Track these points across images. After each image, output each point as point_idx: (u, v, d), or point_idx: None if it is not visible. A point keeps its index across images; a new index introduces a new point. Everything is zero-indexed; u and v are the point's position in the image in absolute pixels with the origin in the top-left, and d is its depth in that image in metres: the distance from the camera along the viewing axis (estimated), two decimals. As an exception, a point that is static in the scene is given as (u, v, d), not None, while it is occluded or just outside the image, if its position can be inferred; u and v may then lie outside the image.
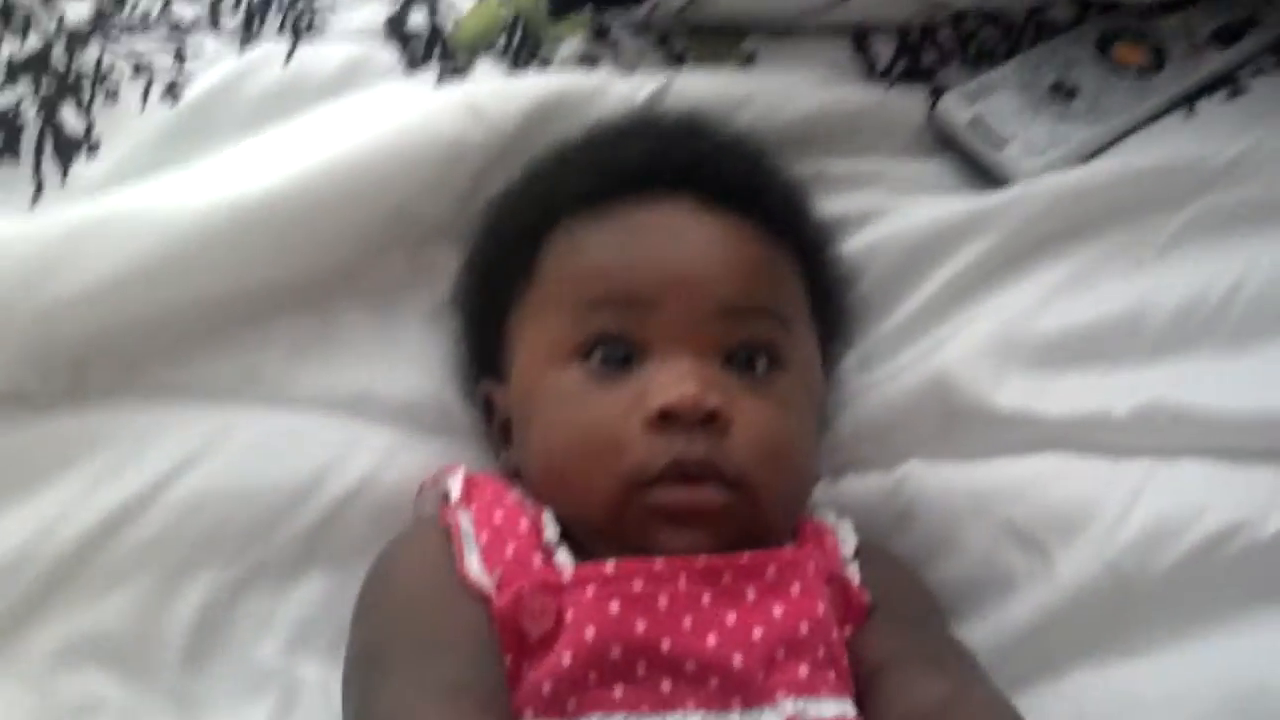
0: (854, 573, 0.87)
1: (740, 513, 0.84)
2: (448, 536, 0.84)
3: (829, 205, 1.02)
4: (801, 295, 0.93)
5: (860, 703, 0.81)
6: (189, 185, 0.98)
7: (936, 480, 0.93)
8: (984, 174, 1.05)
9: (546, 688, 0.77)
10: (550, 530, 0.84)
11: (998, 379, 0.94)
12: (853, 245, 1.01)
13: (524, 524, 0.84)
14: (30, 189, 1.05)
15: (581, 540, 0.85)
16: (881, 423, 0.96)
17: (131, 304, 0.95)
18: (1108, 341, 0.95)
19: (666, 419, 0.83)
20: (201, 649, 0.90)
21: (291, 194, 0.97)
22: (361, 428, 0.96)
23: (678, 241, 0.90)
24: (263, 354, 0.98)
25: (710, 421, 0.83)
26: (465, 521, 0.85)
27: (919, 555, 0.92)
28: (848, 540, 0.89)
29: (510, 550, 0.82)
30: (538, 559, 0.82)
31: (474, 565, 0.82)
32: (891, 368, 0.97)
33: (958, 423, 0.94)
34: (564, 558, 0.83)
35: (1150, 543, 0.87)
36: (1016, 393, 0.93)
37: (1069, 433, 0.92)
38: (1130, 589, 0.87)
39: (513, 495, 0.87)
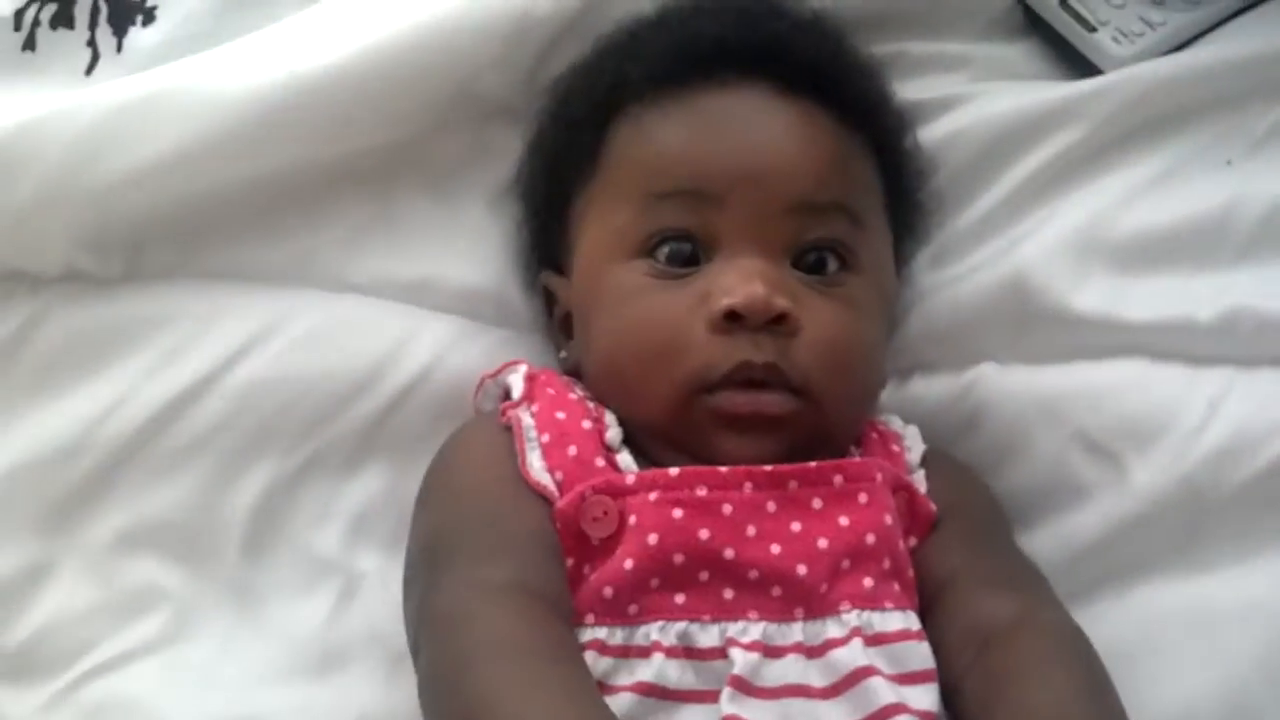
0: (920, 481, 0.85)
1: (805, 421, 0.82)
2: (509, 434, 0.83)
3: (908, 90, 0.99)
4: (877, 190, 0.90)
5: (925, 615, 0.80)
6: (247, 59, 0.96)
7: (1008, 384, 0.91)
8: (1073, 60, 1.00)
9: (608, 592, 0.76)
10: (613, 432, 0.83)
11: (1077, 280, 0.91)
12: (931, 134, 0.98)
13: (586, 424, 0.83)
14: (86, 58, 1.03)
15: (644, 444, 0.84)
16: (953, 323, 0.93)
17: (188, 182, 0.94)
18: (1193, 243, 0.91)
19: (732, 320, 0.81)
20: (261, 538, 0.91)
21: (352, 69, 0.94)
22: (422, 316, 0.95)
23: (749, 132, 0.87)
24: (321, 237, 0.97)
25: (778, 324, 0.81)
26: (527, 419, 0.83)
27: (986, 461, 0.91)
28: (915, 447, 0.88)
29: (572, 451, 0.81)
30: (600, 460, 0.81)
31: (536, 465, 0.81)
32: (965, 266, 0.94)
33: (1032, 325, 0.92)
34: (627, 460, 0.82)
35: (1227, 456, 0.85)
36: (1095, 295, 0.90)
37: (1148, 338, 0.90)
38: (1204, 503, 0.85)
39: (575, 394, 0.86)
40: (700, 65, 0.88)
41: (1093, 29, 0.99)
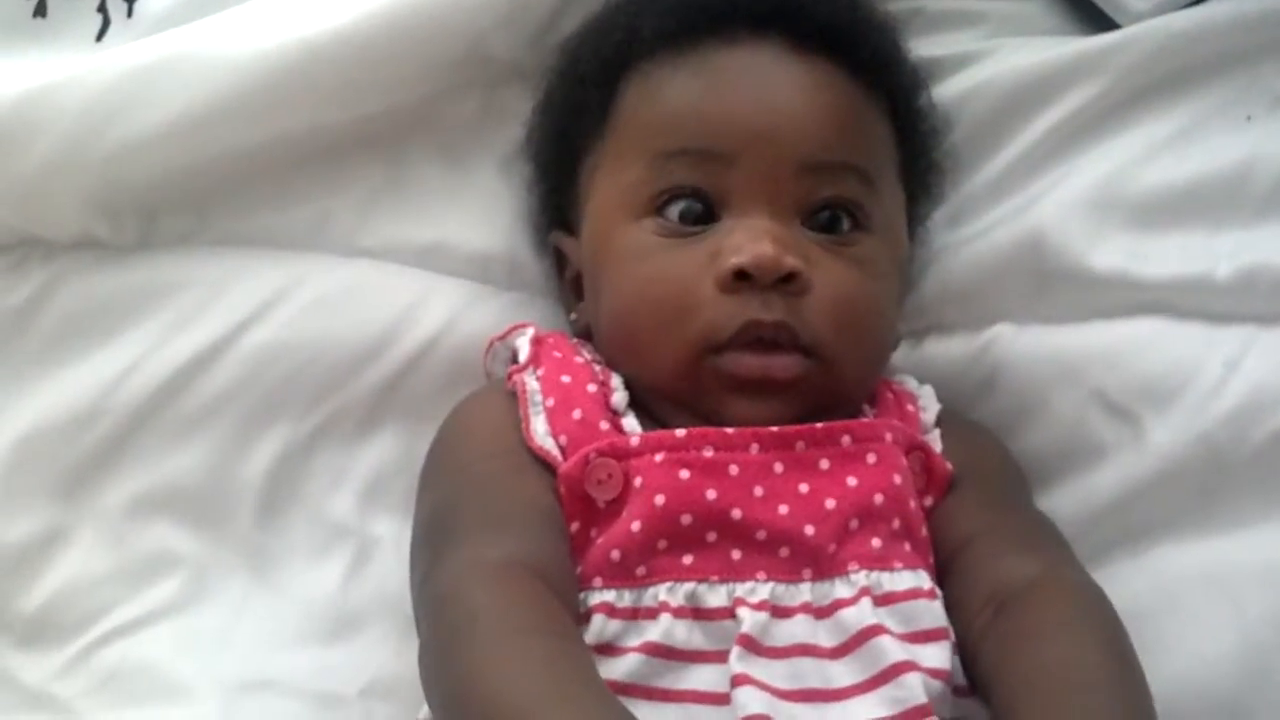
0: (935, 440, 0.85)
1: (816, 383, 0.82)
2: (514, 399, 0.83)
3: (925, 47, 0.98)
4: (890, 149, 0.89)
5: (942, 576, 0.80)
6: (257, 23, 0.96)
7: (1025, 344, 0.91)
8: (1090, 14, 0.99)
9: (616, 555, 0.76)
10: (619, 394, 0.83)
11: (1094, 238, 0.90)
12: (948, 90, 0.97)
13: (592, 388, 0.83)
14: (97, 24, 1.03)
15: (652, 407, 0.83)
16: (969, 283, 0.93)
17: (200, 148, 0.95)
18: (1212, 200, 0.90)
19: (741, 279, 0.80)
20: (275, 503, 0.92)
21: (360, 32, 0.94)
22: (434, 280, 0.95)
23: (760, 90, 0.86)
24: (333, 202, 0.97)
25: (787, 283, 0.81)
26: (532, 384, 0.83)
27: (1003, 422, 0.90)
28: (930, 407, 0.88)
29: (577, 414, 0.81)
30: (605, 423, 0.81)
31: (539, 430, 0.81)
32: (982, 224, 0.94)
33: (1050, 284, 0.91)
34: (632, 423, 0.81)
35: (1246, 415, 0.85)
36: (1113, 253, 0.90)
37: (1167, 296, 0.89)
38: (1223, 462, 0.84)
39: (582, 357, 0.86)
40: (712, 22, 0.87)
41: (1110, -18, 0.97)
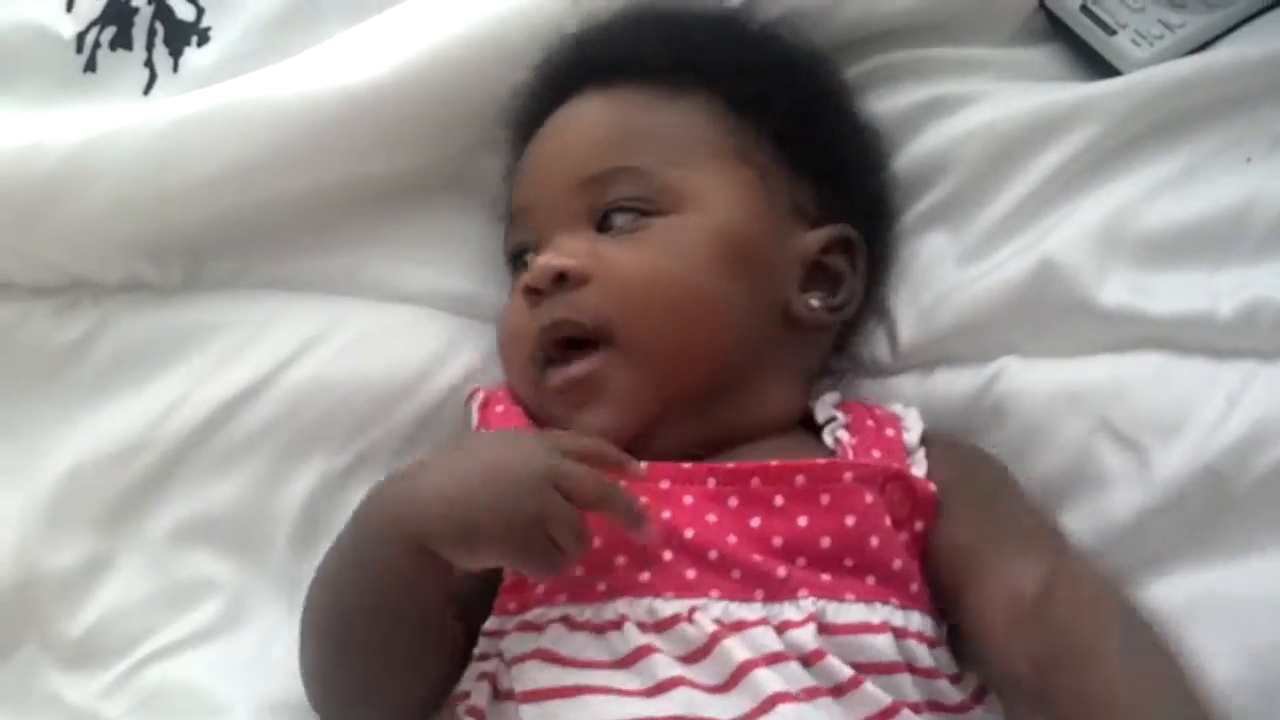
0: (919, 461, 0.87)
1: (628, 376, 0.85)
2: None
3: (927, 89, 1.01)
4: (712, 139, 0.92)
5: (957, 596, 0.82)
6: (298, 75, 1.01)
7: (1032, 377, 0.92)
8: (1093, 63, 1.02)
9: (579, 571, 0.79)
10: None
11: (1100, 275, 0.92)
12: (950, 129, 1.00)
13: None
14: (144, 78, 1.09)
15: None
16: (977, 317, 0.94)
17: (245, 195, 0.99)
18: (1213, 239, 0.92)
19: (533, 295, 0.86)
20: (309, 533, 0.95)
21: (395, 85, 0.99)
22: (466, 325, 0.99)
23: (546, 138, 0.94)
24: (370, 249, 1.02)
25: (563, 283, 0.85)
26: None
27: (1010, 452, 0.91)
28: (913, 428, 0.89)
29: None
30: None
31: None
32: (989, 261, 0.95)
33: (1056, 319, 0.93)
34: None
35: (1249, 447, 0.85)
36: (1119, 289, 0.91)
37: (1171, 332, 0.90)
38: (1228, 491, 0.85)
39: (521, 411, 0.89)
40: (560, 88, 0.95)
41: (1112, 32, 1.00)
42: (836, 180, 0.95)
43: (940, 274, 0.97)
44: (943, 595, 0.84)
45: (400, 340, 0.98)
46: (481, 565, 0.78)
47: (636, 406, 0.85)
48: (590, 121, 0.93)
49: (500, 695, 0.79)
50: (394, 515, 0.79)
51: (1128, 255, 0.92)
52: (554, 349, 0.87)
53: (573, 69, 0.97)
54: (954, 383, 0.94)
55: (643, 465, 0.81)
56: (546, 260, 0.87)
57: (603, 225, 0.89)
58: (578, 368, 0.86)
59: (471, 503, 0.75)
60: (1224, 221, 0.92)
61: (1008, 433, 0.92)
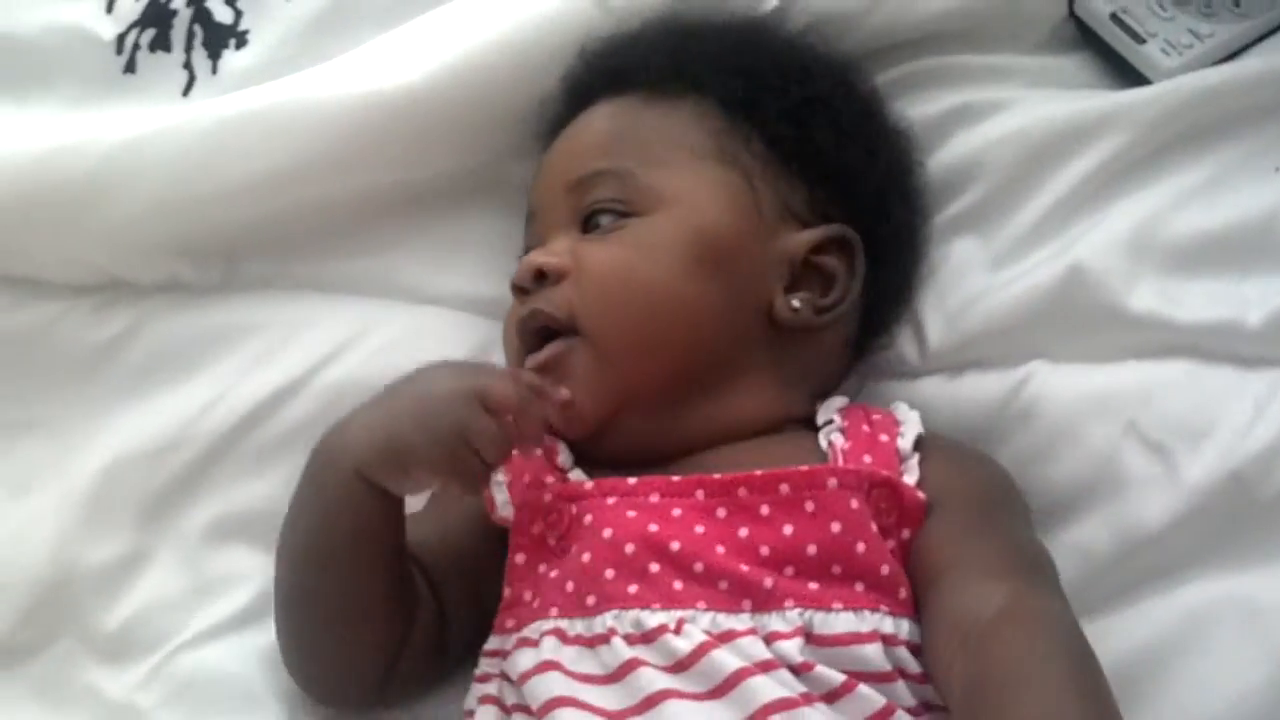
0: (911, 468, 0.86)
1: (596, 365, 0.86)
2: None
3: (957, 96, 1.02)
4: (697, 141, 0.93)
5: (919, 610, 0.81)
6: (334, 80, 1.02)
7: (1060, 381, 0.93)
8: (1123, 71, 1.03)
9: (570, 586, 0.80)
10: (564, 455, 0.88)
11: (1129, 281, 0.92)
12: (981, 135, 1.00)
13: (537, 450, 0.86)
14: (183, 79, 1.10)
15: (592, 465, 0.88)
16: (1007, 321, 0.95)
17: (281, 198, 1.01)
18: (1241, 248, 0.93)
19: (519, 294, 0.89)
20: (341, 530, 0.96)
21: (429, 91, 1.00)
22: (497, 329, 0.99)
23: (555, 146, 0.96)
24: (404, 253, 1.03)
25: (542, 279, 0.88)
26: None
27: (1037, 455, 0.91)
28: (909, 433, 0.88)
29: (526, 479, 0.86)
30: (550, 479, 0.86)
31: (501, 501, 0.86)
32: (1020, 266, 0.96)
33: (1085, 324, 0.93)
34: (580, 475, 0.87)
35: (1275, 453, 0.86)
36: (1148, 296, 0.92)
37: (1198, 339, 0.91)
38: (1254, 498, 0.86)
39: None
40: (577, 99, 0.97)
41: (1142, 41, 1.01)
42: (833, 182, 0.95)
43: (970, 278, 0.97)
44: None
45: (431, 343, 0.99)
46: (417, 488, 0.83)
47: (598, 392, 0.86)
48: (587, 128, 0.95)
49: (508, 712, 0.80)
50: (330, 454, 0.83)
51: (1156, 262, 0.93)
52: (532, 339, 0.88)
53: (588, 81, 0.99)
54: (982, 386, 0.95)
55: (632, 479, 0.83)
56: (530, 258, 0.89)
57: (587, 226, 0.91)
58: (545, 351, 0.87)
59: (398, 426, 0.80)
60: (1252, 230, 0.93)
61: (1035, 436, 0.92)
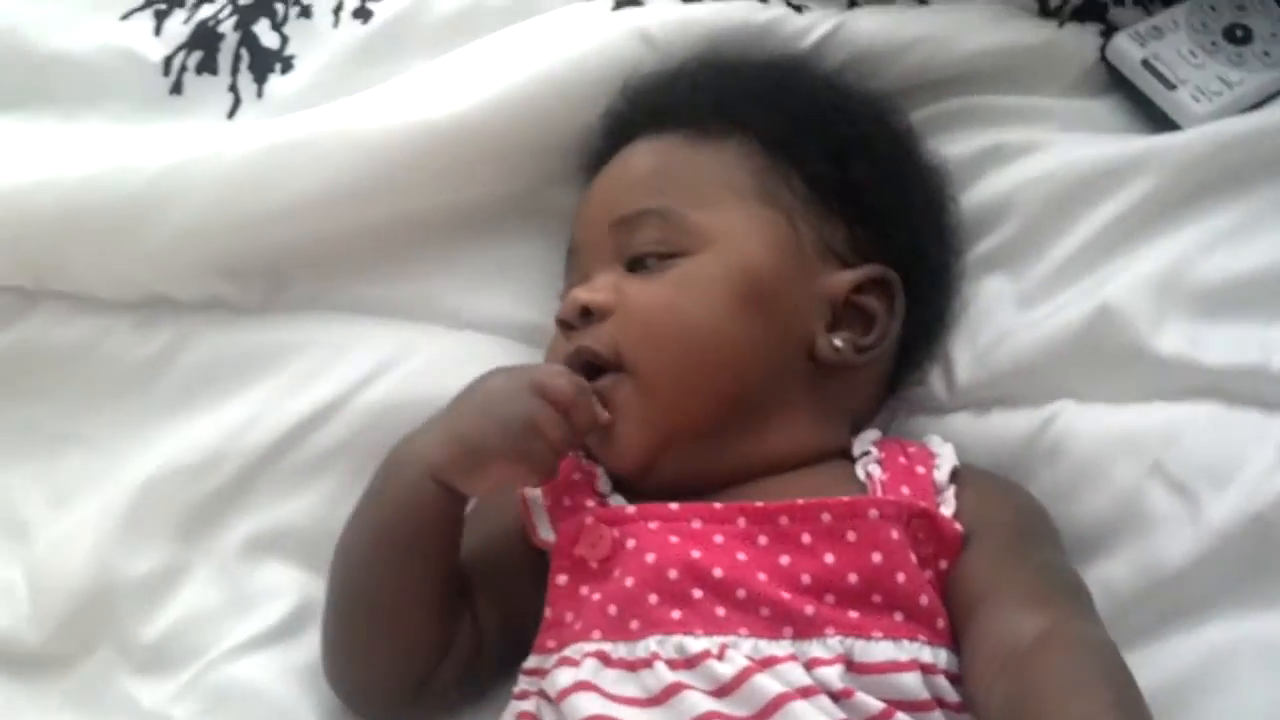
0: (948, 499, 0.87)
1: (641, 402, 0.88)
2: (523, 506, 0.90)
3: (991, 136, 1.04)
4: (740, 180, 0.94)
5: (958, 639, 0.82)
6: (380, 107, 1.04)
7: (1087, 420, 0.94)
8: (1153, 116, 1.04)
9: (612, 609, 0.82)
10: (603, 481, 0.90)
11: (1157, 323, 0.93)
12: (1014, 175, 1.02)
13: (576, 476, 0.90)
14: (228, 102, 1.12)
15: (629, 491, 0.90)
16: (1035, 360, 0.96)
17: (325, 221, 1.03)
18: (1268, 292, 0.94)
19: (565, 329, 0.91)
20: (376, 548, 0.98)
21: (475, 119, 1.02)
22: (534, 355, 1.01)
23: (597, 183, 0.97)
24: (444, 278, 1.05)
25: (588, 316, 0.89)
26: (534, 493, 0.90)
27: (1062, 493, 0.92)
28: (944, 465, 0.90)
29: (566, 503, 0.89)
30: (591, 503, 0.88)
31: (543, 527, 0.88)
32: (1049, 306, 0.97)
33: (1113, 364, 0.94)
34: (620, 500, 0.89)
35: None
36: (1175, 338, 0.93)
37: (1224, 382, 0.92)
38: (1275, 541, 0.86)
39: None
40: (619, 135, 0.99)
41: (1173, 87, 1.03)
42: (873, 222, 0.96)
43: (999, 316, 0.99)
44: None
45: (470, 367, 0.98)
46: (486, 484, 0.85)
47: (645, 427, 0.88)
48: (629, 166, 0.97)
49: None
50: (400, 461, 0.88)
51: (1184, 305, 0.94)
52: (579, 374, 0.89)
53: (630, 117, 1.00)
54: (1009, 423, 0.96)
55: (675, 504, 0.85)
56: (575, 295, 0.91)
57: (633, 264, 0.92)
58: (592, 386, 0.88)
59: (467, 425, 0.85)
60: (1278, 277, 0.94)
61: (1060, 474, 0.93)
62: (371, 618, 0.89)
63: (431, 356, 1.02)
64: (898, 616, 0.81)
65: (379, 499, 0.89)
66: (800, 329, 0.92)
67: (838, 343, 0.92)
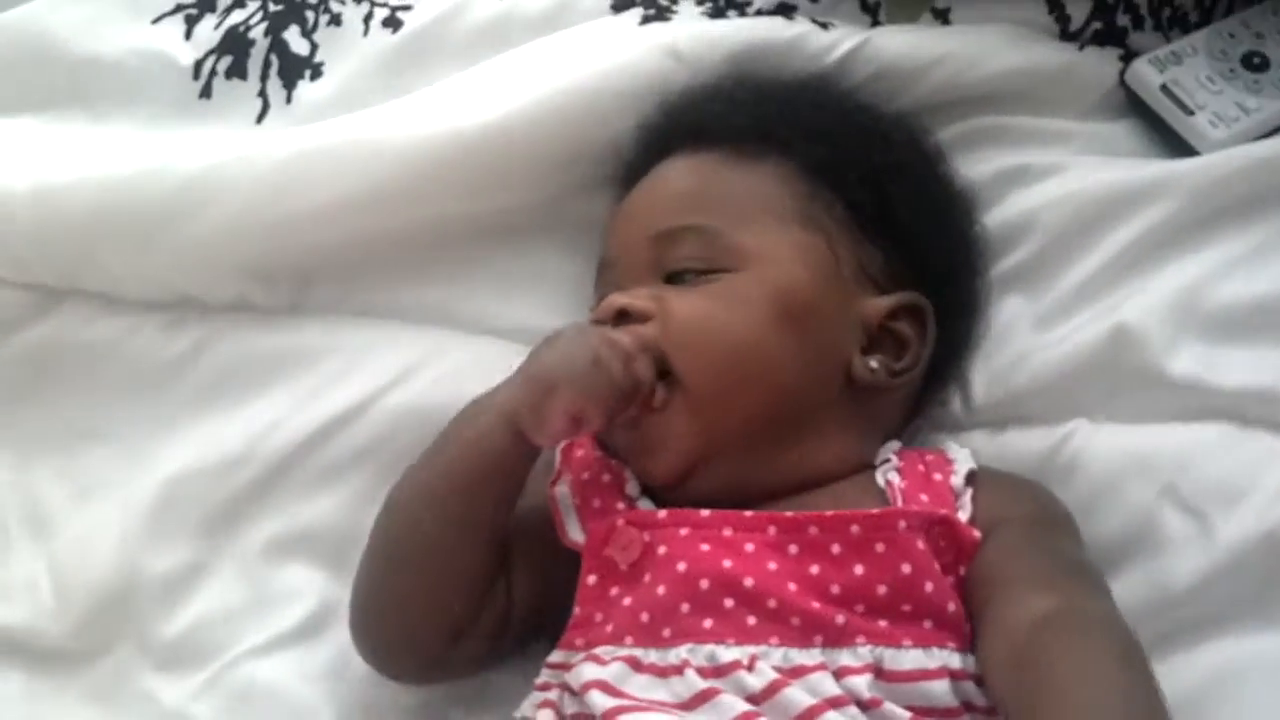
0: (966, 504, 0.89)
1: (681, 410, 0.89)
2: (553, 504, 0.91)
3: (1011, 157, 1.05)
4: (781, 203, 0.95)
5: (974, 631, 0.83)
6: (409, 115, 1.05)
7: (1101, 440, 0.95)
8: (1171, 141, 1.05)
9: (645, 616, 0.83)
10: (632, 484, 0.91)
11: (1172, 345, 0.94)
12: (1033, 197, 1.03)
13: (606, 477, 0.91)
14: (257, 107, 1.13)
15: (658, 496, 0.91)
16: (1051, 380, 0.97)
17: (354, 227, 1.04)
18: (1281, 317, 0.95)
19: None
20: (399, 553, 0.99)
21: (503, 129, 1.03)
22: None
23: (633, 197, 0.98)
24: (468, 284, 1.06)
25: (625, 319, 0.90)
26: (562, 491, 0.92)
27: (1076, 511, 0.92)
28: (961, 470, 0.91)
29: (596, 504, 0.90)
30: (621, 505, 0.89)
31: (573, 528, 0.90)
32: (1066, 327, 0.98)
33: (1128, 385, 0.95)
34: (648, 504, 0.90)
35: None
36: (1190, 360, 0.94)
37: (1237, 405, 0.93)
38: None
39: (600, 452, 0.94)
40: (654, 151, 1.00)
41: (1191, 112, 1.04)
42: (907, 248, 0.97)
43: (1016, 336, 1.00)
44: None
45: (491, 372, 0.99)
46: (555, 422, 0.85)
47: (685, 436, 0.89)
48: (669, 181, 0.97)
49: None
50: (477, 407, 0.90)
51: (1199, 328, 0.95)
52: None
53: (666, 133, 1.01)
54: (1025, 442, 0.97)
55: (706, 511, 0.86)
56: (613, 298, 0.91)
57: (671, 278, 0.93)
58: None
59: (537, 368, 0.87)
60: (1294, 301, 0.95)
61: (1074, 493, 0.93)
62: (419, 558, 0.89)
63: (455, 362, 1.03)
64: (927, 624, 0.82)
65: (446, 442, 0.91)
66: (836, 350, 0.93)
67: (874, 364, 0.93)
